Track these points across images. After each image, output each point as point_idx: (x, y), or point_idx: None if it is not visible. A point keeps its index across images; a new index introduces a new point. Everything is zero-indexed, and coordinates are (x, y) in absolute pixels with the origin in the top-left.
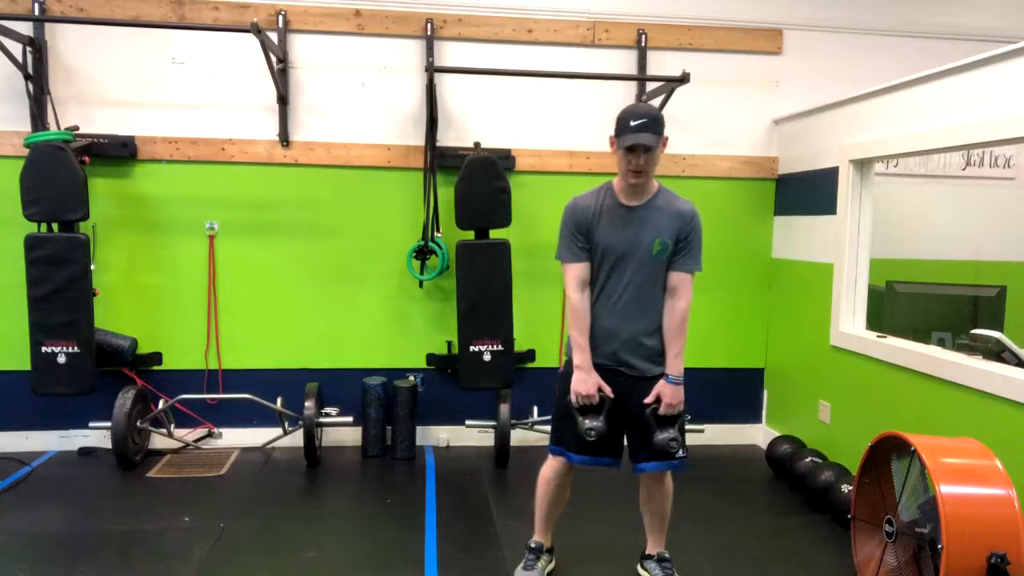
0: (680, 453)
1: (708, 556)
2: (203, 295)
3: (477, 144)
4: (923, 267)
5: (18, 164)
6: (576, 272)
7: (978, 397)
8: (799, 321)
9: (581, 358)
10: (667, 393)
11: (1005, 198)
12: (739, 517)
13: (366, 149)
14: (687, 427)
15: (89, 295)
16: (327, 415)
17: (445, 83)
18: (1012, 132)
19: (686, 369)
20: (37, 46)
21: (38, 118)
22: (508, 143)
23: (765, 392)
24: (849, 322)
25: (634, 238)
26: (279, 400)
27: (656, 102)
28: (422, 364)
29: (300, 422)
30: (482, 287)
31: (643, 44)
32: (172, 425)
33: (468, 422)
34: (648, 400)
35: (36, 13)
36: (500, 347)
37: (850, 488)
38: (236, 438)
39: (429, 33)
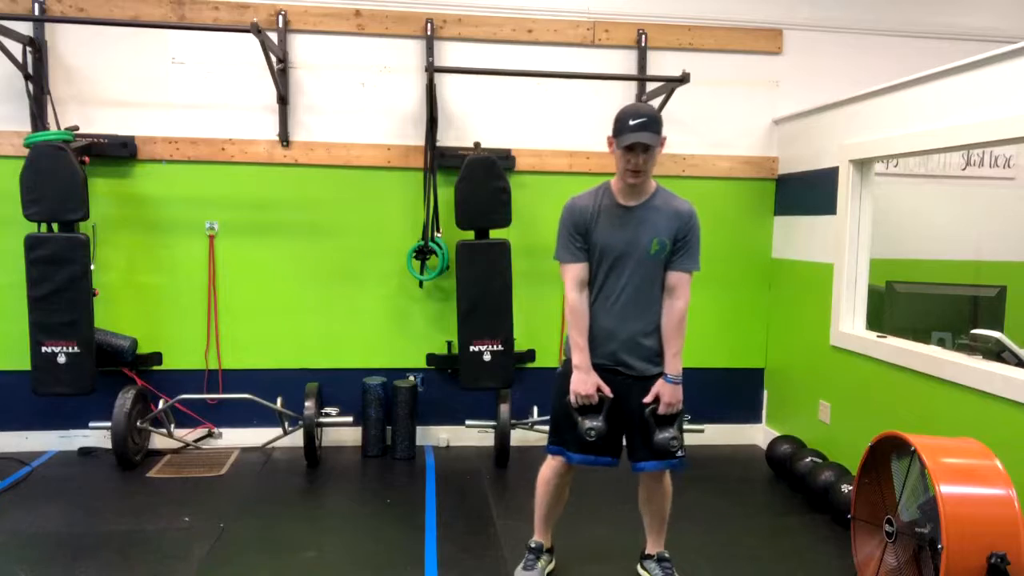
0: (679, 452)
1: (708, 556)
2: (203, 295)
3: (477, 144)
4: (923, 267)
5: (18, 164)
6: (574, 272)
7: (978, 397)
8: (799, 321)
9: (580, 358)
10: (666, 392)
11: (1005, 198)
12: (739, 517)
13: (366, 149)
14: (685, 427)
15: (89, 295)
16: (327, 415)
17: (445, 83)
18: (1012, 132)
19: (686, 369)
20: (37, 46)
21: (38, 118)
22: (508, 143)
23: (765, 392)
24: (849, 322)
25: (632, 238)
26: (279, 400)
27: (656, 102)
28: (422, 364)
29: (300, 422)
30: (482, 287)
31: (643, 44)
32: (172, 425)
33: (468, 422)
34: (647, 399)
35: (36, 13)
36: (500, 347)
37: (850, 488)
38: (236, 438)
39: (429, 33)
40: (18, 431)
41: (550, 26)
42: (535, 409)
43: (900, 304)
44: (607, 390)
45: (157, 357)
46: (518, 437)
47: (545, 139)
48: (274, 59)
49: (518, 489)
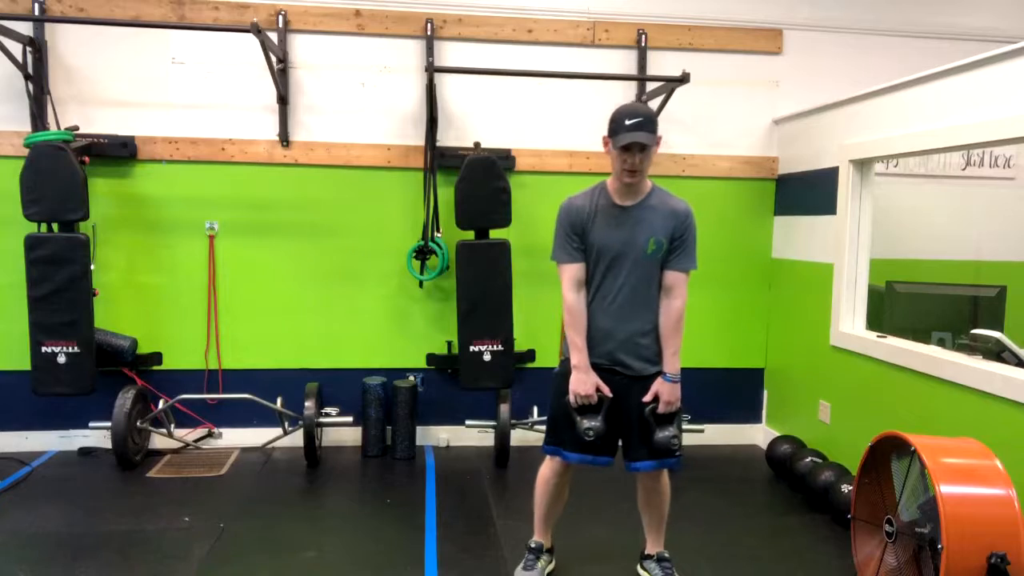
0: (678, 451)
1: (708, 556)
2: (203, 295)
3: (477, 144)
4: (923, 267)
5: (18, 164)
6: (572, 272)
7: (978, 397)
8: (799, 321)
9: (579, 358)
10: (665, 391)
11: (1005, 198)
12: (739, 517)
13: (366, 149)
14: (685, 427)
15: (89, 295)
16: (327, 415)
17: (445, 83)
18: (1012, 132)
19: (685, 369)
20: (37, 46)
21: (38, 118)
22: (508, 143)
23: (765, 392)
24: (849, 322)
25: (629, 238)
26: (279, 400)
27: (656, 102)
28: (422, 364)
29: (300, 422)
30: (482, 287)
31: (643, 44)
32: (172, 425)
33: (468, 422)
34: (647, 398)
35: (36, 13)
36: (500, 347)
37: (850, 488)
38: (236, 438)
39: (429, 33)
40: (18, 431)
41: (550, 26)
42: (535, 409)
43: (900, 304)
44: (606, 390)
45: (157, 357)
46: (518, 437)
47: (545, 139)
48: (274, 59)
49: (518, 489)
